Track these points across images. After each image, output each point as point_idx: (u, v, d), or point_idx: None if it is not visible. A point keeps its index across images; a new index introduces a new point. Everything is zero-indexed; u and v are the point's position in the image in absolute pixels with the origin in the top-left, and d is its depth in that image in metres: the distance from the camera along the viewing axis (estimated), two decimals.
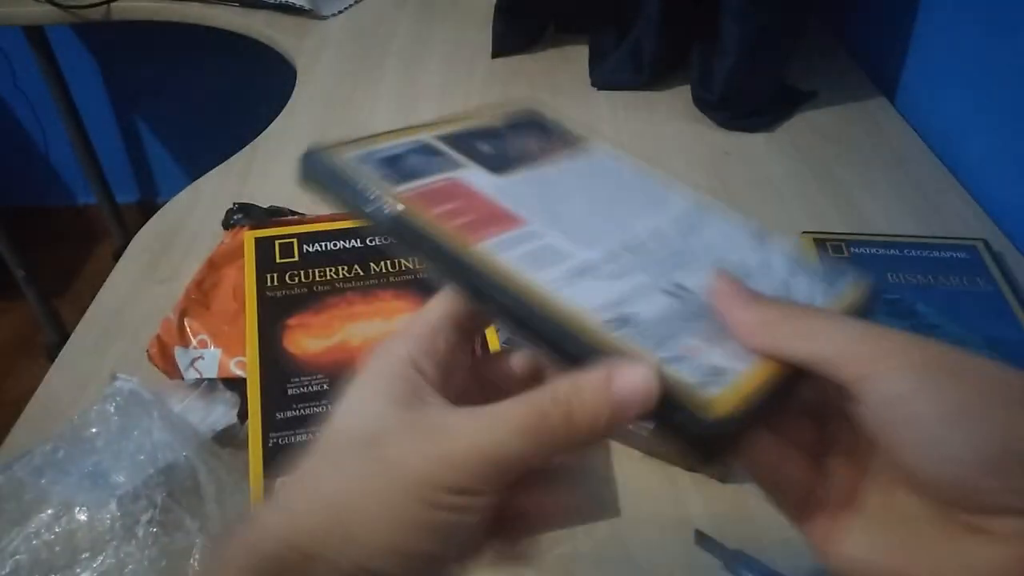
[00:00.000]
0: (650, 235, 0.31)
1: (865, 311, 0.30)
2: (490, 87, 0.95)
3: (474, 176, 0.31)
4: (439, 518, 0.24)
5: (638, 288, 0.28)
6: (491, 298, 0.26)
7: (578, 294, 0.26)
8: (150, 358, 0.55)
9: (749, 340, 0.25)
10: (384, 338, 0.28)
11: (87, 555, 0.44)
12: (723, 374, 0.24)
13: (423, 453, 0.24)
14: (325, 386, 0.47)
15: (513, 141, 0.35)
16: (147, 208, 1.93)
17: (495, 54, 1.01)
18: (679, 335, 0.26)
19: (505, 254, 0.27)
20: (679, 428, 0.24)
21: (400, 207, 0.28)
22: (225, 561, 0.24)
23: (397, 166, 0.30)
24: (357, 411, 0.27)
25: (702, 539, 0.46)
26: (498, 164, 0.32)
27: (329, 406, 0.46)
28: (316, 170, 0.30)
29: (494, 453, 0.24)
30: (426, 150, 0.32)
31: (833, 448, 0.27)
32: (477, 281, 0.27)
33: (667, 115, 0.89)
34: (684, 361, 0.25)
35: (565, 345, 0.25)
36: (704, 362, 0.25)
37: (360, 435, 0.26)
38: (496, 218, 0.29)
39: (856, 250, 0.66)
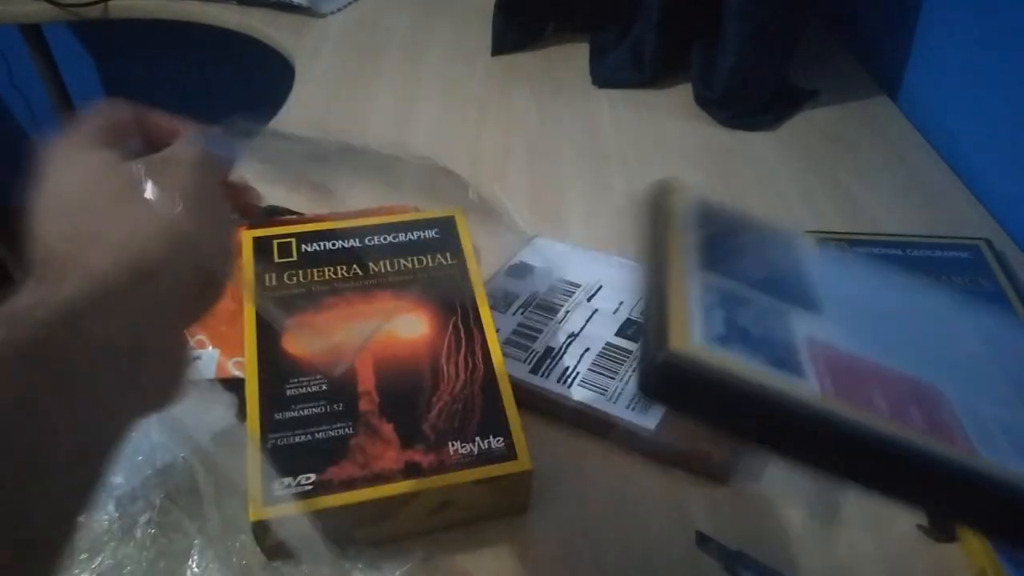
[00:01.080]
0: (968, 357, 0.30)
1: None
2: (490, 86, 0.95)
3: (818, 329, 0.29)
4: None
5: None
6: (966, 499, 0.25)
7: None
8: None
9: None
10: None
11: (85, 556, 0.44)
12: None
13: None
14: (324, 387, 0.47)
15: (751, 253, 0.33)
16: None
17: (495, 52, 1.01)
18: None
19: (967, 443, 0.25)
20: None
21: (833, 410, 0.25)
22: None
23: (748, 337, 0.27)
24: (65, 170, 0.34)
25: (703, 540, 0.46)
26: (802, 297, 0.30)
27: (329, 406, 0.46)
28: (675, 379, 0.25)
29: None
30: (732, 299, 0.29)
31: None
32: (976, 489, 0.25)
33: (668, 113, 0.89)
34: None
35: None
36: None
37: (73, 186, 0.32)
38: (913, 394, 0.27)
39: (858, 250, 0.65)
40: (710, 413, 0.26)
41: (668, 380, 0.26)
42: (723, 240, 0.32)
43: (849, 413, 0.25)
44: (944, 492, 0.25)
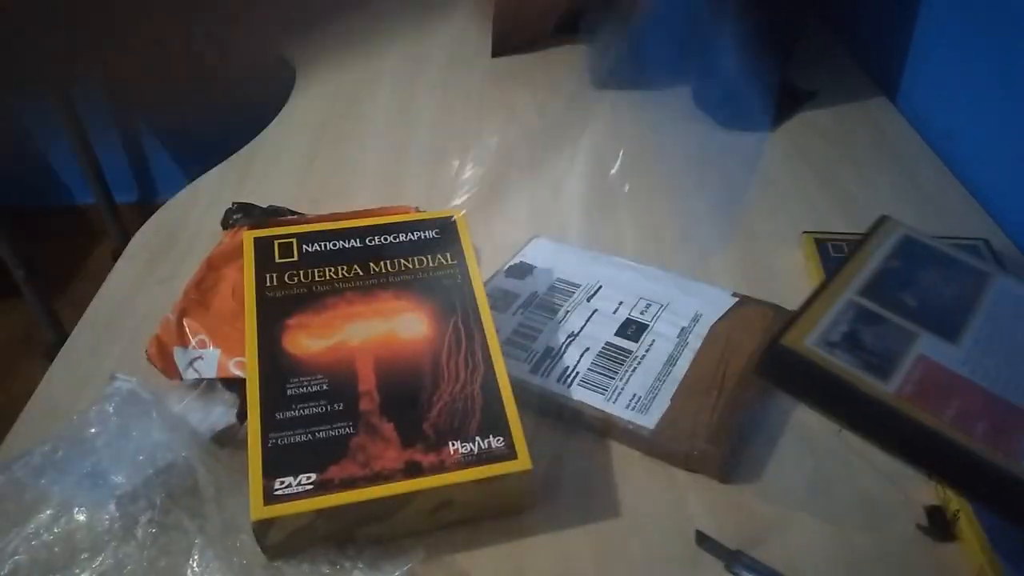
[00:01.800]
0: None
1: None
2: (490, 87, 0.95)
3: (940, 352, 0.36)
4: None
5: None
6: None
7: None
8: (149, 358, 0.55)
9: None
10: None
11: (86, 555, 0.44)
12: None
13: None
14: (324, 386, 0.47)
15: (926, 285, 0.40)
16: (146, 208, 1.93)
17: (495, 53, 1.01)
18: None
19: None
20: None
21: (898, 406, 0.33)
22: None
23: (860, 347, 0.35)
24: None
25: (702, 539, 0.46)
26: (944, 327, 0.37)
27: (330, 406, 0.46)
28: (784, 365, 0.35)
29: None
30: (868, 317, 0.37)
31: None
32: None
33: (668, 114, 0.89)
34: None
35: None
36: None
37: None
38: (995, 413, 0.33)
39: None
40: (805, 395, 0.36)
41: (773, 365, 0.36)
42: (900, 271, 0.41)
43: (909, 410, 0.33)
44: (983, 488, 0.32)
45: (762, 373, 0.36)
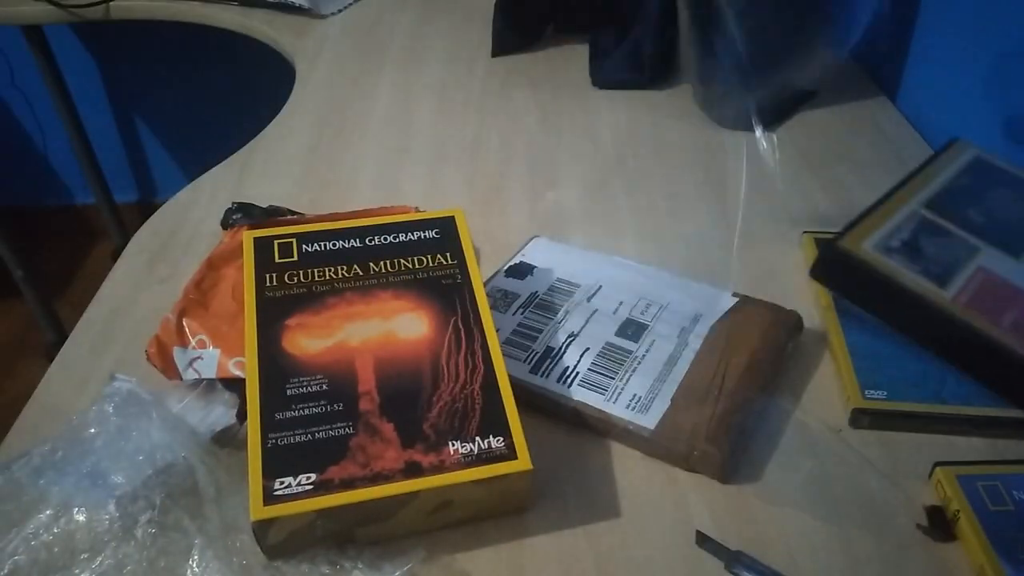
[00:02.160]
0: None
1: None
2: (490, 87, 0.95)
3: (1001, 265, 0.35)
4: None
5: None
6: None
7: None
8: (149, 358, 0.55)
9: None
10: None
11: (86, 556, 0.44)
12: None
13: None
14: (324, 386, 0.47)
15: (994, 201, 0.40)
16: (146, 208, 1.93)
17: (495, 53, 1.01)
18: None
19: None
20: None
21: (953, 311, 0.33)
22: None
23: (920, 255, 0.35)
24: None
25: (703, 540, 0.46)
26: (1009, 241, 0.37)
27: (330, 406, 0.46)
28: (839, 267, 0.35)
29: None
30: (931, 229, 0.37)
31: None
32: None
33: (667, 114, 0.89)
34: None
35: None
36: None
37: None
38: None
39: None
40: (859, 298, 0.36)
41: (829, 266, 0.37)
42: (968, 188, 0.41)
43: (965, 315, 0.33)
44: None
45: (817, 275, 0.36)
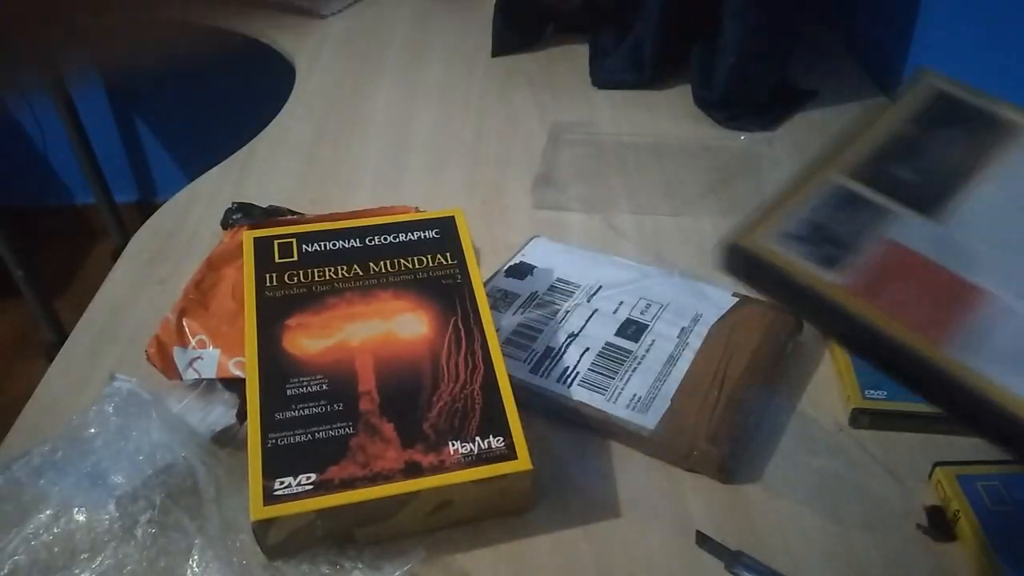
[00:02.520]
0: None
1: None
2: (490, 87, 0.95)
3: (909, 230, 0.30)
4: None
5: None
6: (966, 408, 0.26)
7: None
8: (149, 358, 0.55)
9: None
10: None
11: (86, 556, 0.44)
12: None
13: None
14: (324, 386, 0.47)
15: (935, 153, 0.33)
16: (146, 208, 1.93)
17: (495, 53, 1.01)
18: None
19: (976, 357, 0.26)
20: None
21: (839, 299, 0.28)
22: None
23: (821, 236, 0.30)
24: None
25: (703, 540, 0.46)
26: (929, 200, 0.31)
27: (329, 406, 0.46)
28: (739, 262, 0.31)
29: None
30: (845, 200, 0.32)
31: None
32: (944, 388, 0.26)
33: (667, 114, 0.89)
34: None
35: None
36: None
37: None
38: (954, 297, 0.28)
39: None
40: (764, 289, 0.32)
41: (731, 260, 0.32)
42: (911, 140, 0.34)
43: (850, 303, 0.29)
44: (906, 378, 0.28)
45: (718, 265, 0.32)
